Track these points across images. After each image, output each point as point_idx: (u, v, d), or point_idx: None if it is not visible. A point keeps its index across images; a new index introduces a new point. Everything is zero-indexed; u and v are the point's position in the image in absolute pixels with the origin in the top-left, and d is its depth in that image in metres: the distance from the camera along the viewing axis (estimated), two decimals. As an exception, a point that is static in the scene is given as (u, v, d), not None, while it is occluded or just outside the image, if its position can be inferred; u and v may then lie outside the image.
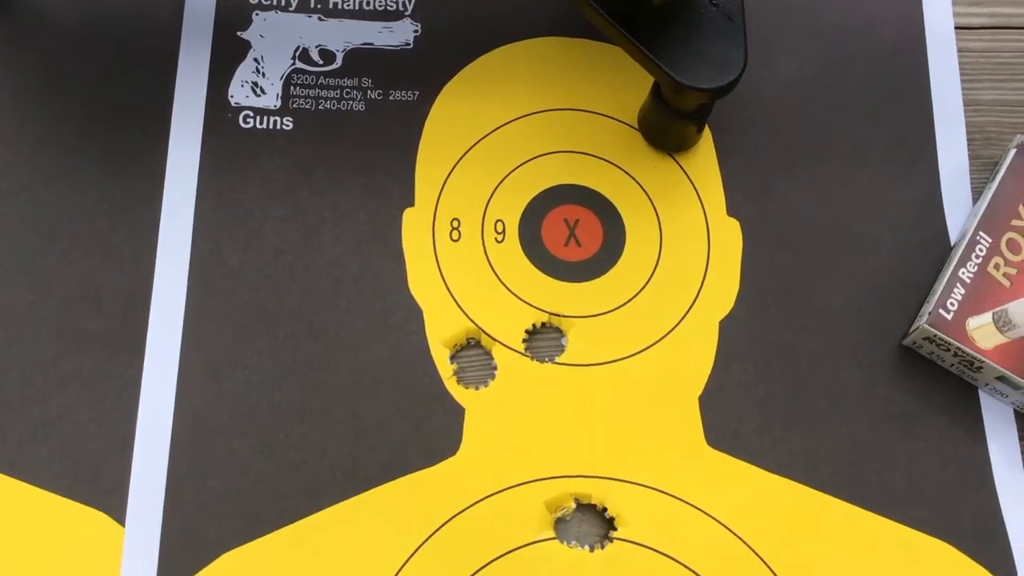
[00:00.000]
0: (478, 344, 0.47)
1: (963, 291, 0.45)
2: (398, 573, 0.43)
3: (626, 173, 0.50)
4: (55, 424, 0.45)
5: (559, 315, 0.47)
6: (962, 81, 0.52)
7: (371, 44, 0.51)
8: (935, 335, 0.45)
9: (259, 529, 0.43)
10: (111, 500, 0.44)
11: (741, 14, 0.44)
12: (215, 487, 0.44)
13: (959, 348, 0.44)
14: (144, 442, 0.44)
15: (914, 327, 0.46)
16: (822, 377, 0.46)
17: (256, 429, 0.45)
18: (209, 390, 0.45)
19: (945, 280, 0.46)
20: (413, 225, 0.48)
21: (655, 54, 0.44)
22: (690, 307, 0.47)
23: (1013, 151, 0.48)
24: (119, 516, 0.43)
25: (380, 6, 0.52)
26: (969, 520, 0.44)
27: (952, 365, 0.46)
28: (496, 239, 0.48)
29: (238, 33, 0.51)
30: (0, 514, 0.43)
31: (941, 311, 0.45)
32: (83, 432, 0.44)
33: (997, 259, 0.46)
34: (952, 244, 0.49)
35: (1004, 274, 0.46)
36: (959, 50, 0.52)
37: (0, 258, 0.47)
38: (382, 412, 0.45)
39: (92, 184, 0.48)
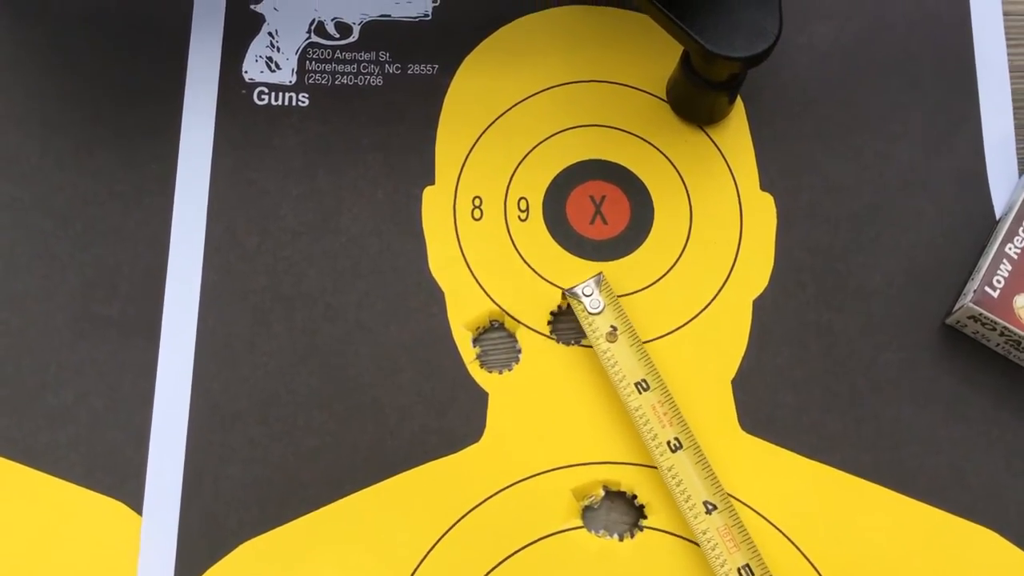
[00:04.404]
0: (501, 327, 0.46)
1: (1010, 267, 0.43)
2: (421, 563, 0.42)
3: (654, 147, 0.48)
4: (71, 411, 0.44)
5: (585, 296, 0.46)
6: (1008, 45, 0.49)
7: (388, 16, 0.50)
8: (980, 314, 0.43)
9: (279, 518, 0.42)
10: (128, 489, 0.43)
11: (775, -22, 0.42)
12: (233, 475, 0.43)
13: (1006, 327, 0.42)
14: (161, 429, 0.44)
15: (958, 306, 0.44)
16: (860, 358, 0.45)
17: (274, 416, 0.44)
18: (226, 376, 0.44)
19: (991, 256, 0.44)
20: (433, 204, 0.47)
21: (684, 21, 0.42)
22: (722, 286, 0.46)
23: (1063, 119, 0.46)
24: (136, 505, 0.43)
25: (397, -24, 0.50)
26: (1015, 507, 0.43)
27: (998, 345, 0.44)
28: (519, 217, 0.47)
29: (251, 6, 0.50)
30: (17, 503, 0.43)
31: (987, 289, 0.43)
32: (99, 420, 0.44)
33: (1046, 233, 0.44)
34: (997, 218, 0.47)
35: (1053, 249, 0.44)
36: (1005, 13, 0.50)
37: (13, 243, 0.46)
38: (403, 398, 0.44)
39: (105, 166, 0.47)
